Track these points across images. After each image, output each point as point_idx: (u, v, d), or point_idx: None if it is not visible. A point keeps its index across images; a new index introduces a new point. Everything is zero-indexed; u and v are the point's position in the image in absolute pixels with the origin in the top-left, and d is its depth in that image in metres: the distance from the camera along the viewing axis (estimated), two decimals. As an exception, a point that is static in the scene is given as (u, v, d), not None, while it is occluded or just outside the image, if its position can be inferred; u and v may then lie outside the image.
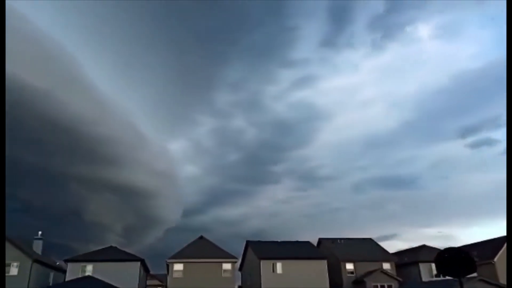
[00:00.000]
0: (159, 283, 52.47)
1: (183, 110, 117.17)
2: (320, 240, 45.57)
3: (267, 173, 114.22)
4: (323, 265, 38.19)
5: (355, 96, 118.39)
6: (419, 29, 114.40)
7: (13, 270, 33.19)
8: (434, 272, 37.52)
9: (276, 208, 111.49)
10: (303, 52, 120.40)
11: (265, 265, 37.58)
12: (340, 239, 45.51)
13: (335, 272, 39.65)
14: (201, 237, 41.50)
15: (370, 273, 38.76)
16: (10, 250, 33.54)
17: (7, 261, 33.11)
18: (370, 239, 46.71)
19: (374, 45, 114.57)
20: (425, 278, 39.29)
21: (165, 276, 39.35)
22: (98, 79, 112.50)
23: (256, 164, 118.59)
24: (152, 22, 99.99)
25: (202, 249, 38.92)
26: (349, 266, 40.43)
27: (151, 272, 46.32)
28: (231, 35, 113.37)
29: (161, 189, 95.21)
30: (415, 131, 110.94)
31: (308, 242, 43.78)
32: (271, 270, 37.47)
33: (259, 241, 43.12)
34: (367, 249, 43.70)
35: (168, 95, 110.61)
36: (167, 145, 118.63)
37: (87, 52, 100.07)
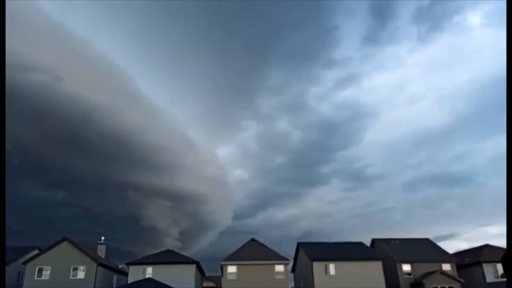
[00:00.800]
0: (214, 285, 53.67)
1: (230, 116, 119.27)
2: (374, 241, 44.47)
3: (315, 175, 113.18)
4: (378, 266, 37.27)
5: (402, 92, 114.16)
6: (469, 17, 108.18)
7: (80, 274, 35.56)
8: (500, 272, 35.36)
9: (326, 209, 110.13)
10: (346, 51, 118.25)
11: (317, 266, 37.35)
12: (395, 239, 44.09)
13: (390, 274, 38.54)
14: (253, 240, 42.05)
15: (429, 274, 37.27)
16: (77, 255, 36.09)
17: (75, 265, 35.66)
18: (427, 239, 44.89)
19: (420, 38, 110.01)
20: (489, 279, 37.14)
21: (220, 278, 40.24)
22: (150, 92, 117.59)
23: (304, 166, 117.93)
24: (196, 31, 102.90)
25: (254, 251, 39.43)
26: (406, 268, 39.12)
27: (206, 275, 47.57)
28: (273, 39, 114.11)
29: (212, 194, 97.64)
30: (470, 124, 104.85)
31: (361, 242, 42.92)
32: (324, 272, 37.15)
33: (310, 243, 42.90)
34: (424, 250, 42.04)
35: (215, 101, 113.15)
36: (215, 150, 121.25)
37: (139, 67, 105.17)
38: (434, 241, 44.64)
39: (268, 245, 40.89)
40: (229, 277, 36.88)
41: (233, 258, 38.25)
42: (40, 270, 35.11)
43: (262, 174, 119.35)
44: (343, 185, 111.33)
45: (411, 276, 38.59)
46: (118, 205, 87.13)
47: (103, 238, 41.42)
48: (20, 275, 36.61)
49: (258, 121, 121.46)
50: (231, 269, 37.17)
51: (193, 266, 37.50)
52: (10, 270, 36.25)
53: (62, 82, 71.87)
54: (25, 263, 35.58)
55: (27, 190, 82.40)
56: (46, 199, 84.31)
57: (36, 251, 38.19)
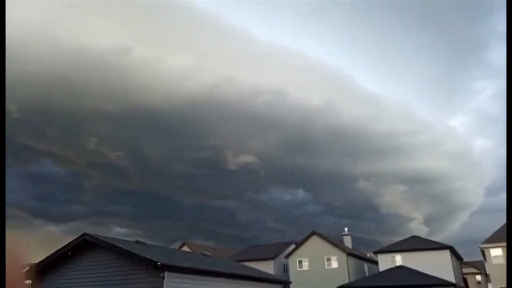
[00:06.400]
0: (476, 270, 47.82)
1: (456, 81, 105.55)
2: None
3: None
4: None
5: None
6: None
7: (333, 264, 38.20)
8: None
9: None
10: None
11: None
12: None
13: None
14: (517, 216, 35.25)
15: None
16: (327, 247, 39.01)
17: (327, 256, 38.54)
18: None
19: None
20: None
21: (482, 263, 35.45)
22: (367, 82, 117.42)
23: None
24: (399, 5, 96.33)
25: (522, 230, 32.94)
26: None
27: (464, 260, 42.86)
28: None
29: (454, 171, 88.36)
30: None
31: None
32: None
33: None
34: None
35: (436, 72, 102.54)
36: (448, 123, 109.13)
37: (352, 63, 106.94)
38: None
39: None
40: (494, 261, 32.05)
41: (494, 239, 33.04)
42: (300, 262, 39.71)
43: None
44: None
45: None
46: (354, 196, 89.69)
47: (346, 229, 43.30)
48: (285, 267, 42.21)
49: (494, 78, 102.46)
50: (496, 252, 32.19)
51: (447, 252, 34.41)
52: (277, 263, 42.34)
53: (287, 95, 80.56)
54: (287, 256, 41.01)
55: (274, 194, 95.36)
56: (290, 200, 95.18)
57: (293, 246, 43.29)
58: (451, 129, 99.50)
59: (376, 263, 38.49)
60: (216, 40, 77.31)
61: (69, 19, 65.02)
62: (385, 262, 35.62)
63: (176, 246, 48.23)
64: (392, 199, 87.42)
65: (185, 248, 47.12)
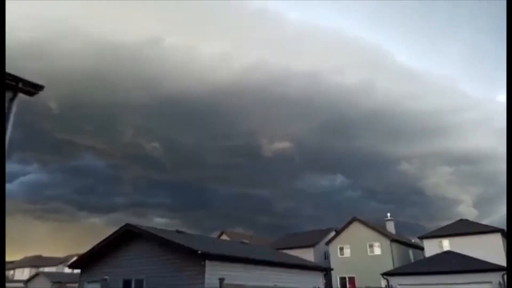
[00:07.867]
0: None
1: (504, 54, 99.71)
2: None
3: None
4: None
5: None
6: None
7: (376, 250, 37.23)
8: None
9: None
10: None
11: None
12: None
13: None
14: None
15: None
16: (369, 233, 38.05)
17: (370, 242, 37.59)
18: None
19: None
20: None
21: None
22: (406, 56, 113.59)
23: None
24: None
25: None
26: None
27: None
28: None
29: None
30: None
31: None
32: None
33: None
34: None
35: (483, 43, 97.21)
36: (498, 98, 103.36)
37: (388, 34, 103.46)
38: None
39: None
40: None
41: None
42: (341, 249, 39.02)
43: None
44: None
45: None
46: (396, 180, 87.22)
47: (389, 214, 42.09)
48: (325, 254, 41.68)
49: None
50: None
51: (498, 235, 32.61)
52: (317, 250, 41.88)
53: (322, 77, 78.97)
54: (327, 243, 40.42)
55: (311, 180, 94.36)
56: (328, 186, 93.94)
57: (333, 233, 42.62)
58: (501, 105, 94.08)
59: (421, 249, 37.11)
60: (248, 25, 76.76)
61: (101, 13, 66.64)
62: (432, 247, 34.19)
63: (214, 235, 48.85)
64: (438, 181, 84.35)
65: (224, 237, 47.61)
